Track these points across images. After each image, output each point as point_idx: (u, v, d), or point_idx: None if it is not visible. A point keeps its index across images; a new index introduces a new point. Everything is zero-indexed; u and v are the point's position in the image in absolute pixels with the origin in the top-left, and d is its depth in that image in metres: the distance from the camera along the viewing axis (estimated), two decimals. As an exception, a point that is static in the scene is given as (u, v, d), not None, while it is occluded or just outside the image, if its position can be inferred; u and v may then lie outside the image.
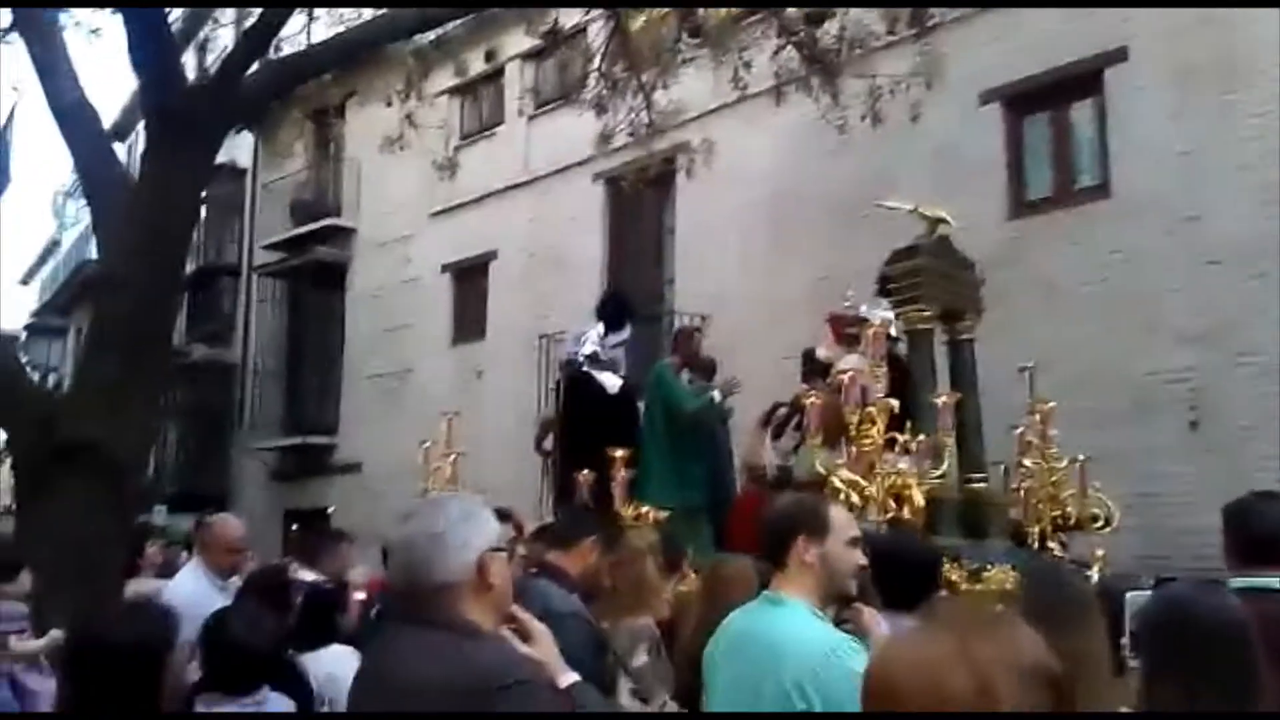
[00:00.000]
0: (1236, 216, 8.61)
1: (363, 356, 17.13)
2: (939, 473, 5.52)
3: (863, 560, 2.92)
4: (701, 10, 9.87)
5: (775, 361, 7.87)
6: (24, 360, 9.38)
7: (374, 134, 11.19)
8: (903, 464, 5.32)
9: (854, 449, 5.41)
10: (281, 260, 18.49)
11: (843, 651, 2.54)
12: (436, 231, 16.14)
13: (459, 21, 10.73)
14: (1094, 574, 5.27)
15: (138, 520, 8.22)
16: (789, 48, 9.41)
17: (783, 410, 7.13)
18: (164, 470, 19.44)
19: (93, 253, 23.17)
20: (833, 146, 10.13)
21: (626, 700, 3.70)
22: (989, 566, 5.42)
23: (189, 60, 8.65)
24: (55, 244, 36.22)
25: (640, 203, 12.03)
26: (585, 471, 6.71)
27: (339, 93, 13.29)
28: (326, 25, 9.32)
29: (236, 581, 5.20)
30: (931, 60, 8.85)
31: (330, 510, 13.02)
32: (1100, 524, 5.84)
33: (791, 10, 9.18)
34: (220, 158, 7.97)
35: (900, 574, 3.38)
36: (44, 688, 4.55)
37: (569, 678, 2.31)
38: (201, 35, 12.24)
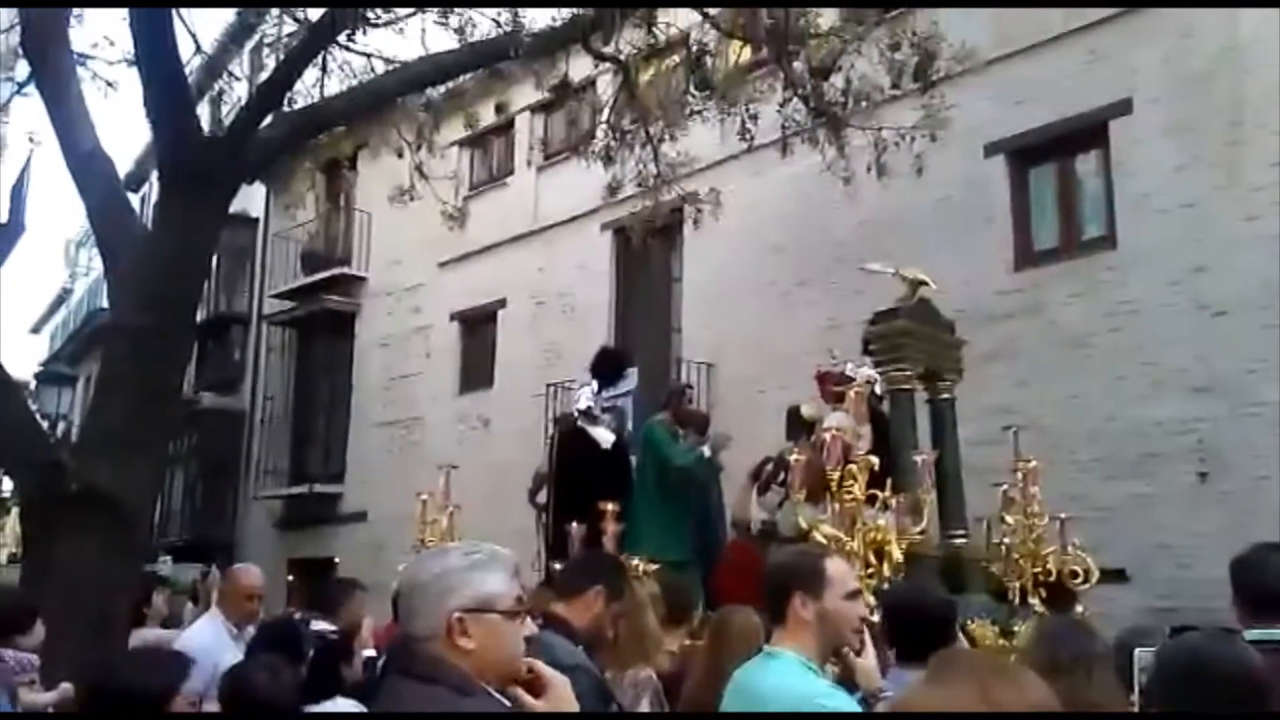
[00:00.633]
0: (1243, 267, 8.63)
1: (371, 405, 17.16)
2: (918, 529, 5.61)
3: (863, 613, 2.95)
4: (709, 63, 10.01)
5: (780, 411, 7.96)
6: (33, 408, 9.41)
7: (385, 184, 11.31)
8: (881, 520, 5.41)
9: (836, 505, 5.52)
10: (291, 309, 18.59)
11: (821, 698, 2.58)
12: (446, 280, 16.24)
13: (470, 75, 10.88)
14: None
15: (143, 569, 8.19)
16: (795, 100, 9.51)
17: (770, 466, 7.23)
18: (170, 519, 19.41)
19: (104, 302, 23.34)
20: (838, 198, 10.21)
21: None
22: (970, 621, 5.44)
23: (203, 112, 8.78)
24: (67, 293, 36.49)
25: (648, 252, 12.10)
26: (575, 525, 6.81)
27: (350, 144, 13.47)
28: (339, 79, 9.46)
29: (251, 631, 5.19)
30: (936, 113, 8.94)
31: (336, 560, 12.99)
32: (1080, 580, 5.85)
33: (798, 64, 9.30)
34: (232, 207, 8.05)
35: (914, 625, 3.38)
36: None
37: None
38: (216, 88, 12.41)
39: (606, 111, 10.40)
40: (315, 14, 8.05)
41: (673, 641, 4.71)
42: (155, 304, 6.46)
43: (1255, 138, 8.78)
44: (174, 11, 6.92)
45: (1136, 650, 2.71)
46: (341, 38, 8.52)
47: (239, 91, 11.24)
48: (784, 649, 2.79)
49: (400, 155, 10.37)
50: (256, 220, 19.91)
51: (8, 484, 19.23)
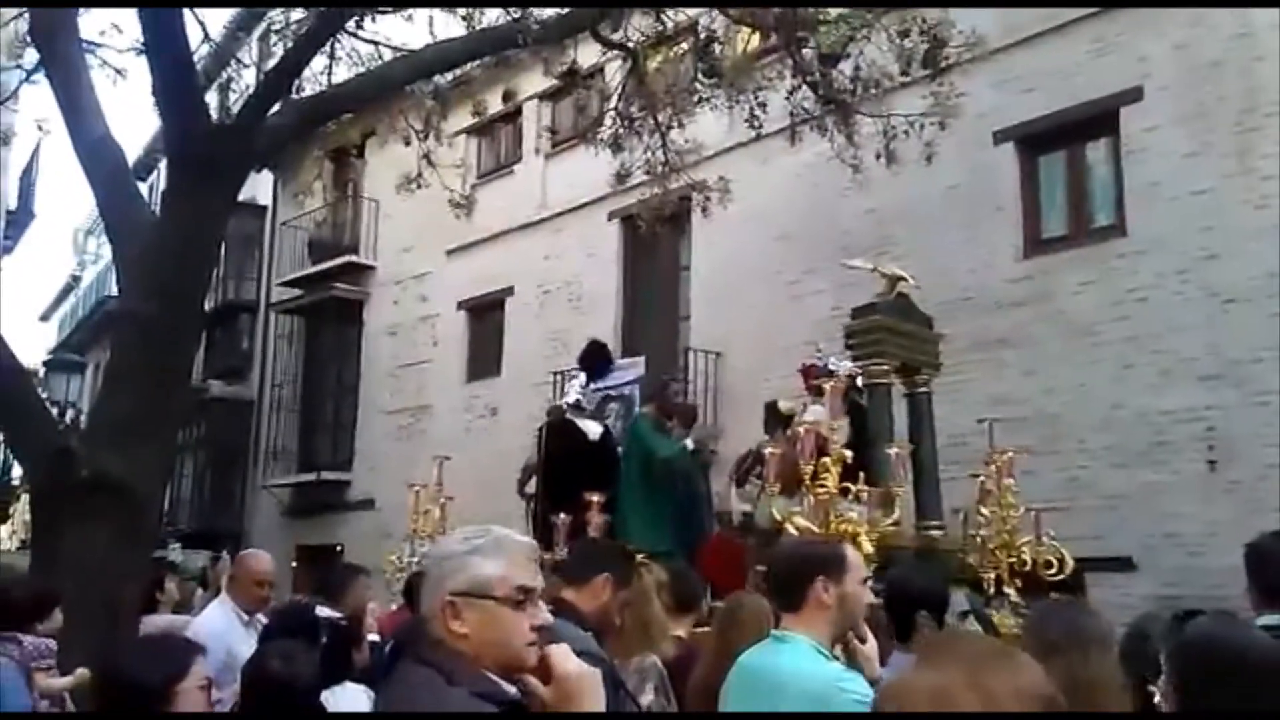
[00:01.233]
0: (1253, 255, 8.61)
1: (378, 393, 17.20)
2: (890, 520, 5.69)
3: (871, 599, 3.08)
4: (718, 50, 9.98)
5: (789, 399, 8.02)
6: (43, 395, 9.45)
7: (392, 172, 11.31)
8: (853, 513, 5.51)
9: (810, 497, 5.60)
10: (299, 297, 18.63)
11: (843, 682, 2.64)
12: (453, 269, 16.26)
13: (477, 62, 10.86)
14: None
15: (156, 556, 8.24)
16: (804, 87, 9.48)
17: (748, 459, 7.33)
18: (178, 506, 19.49)
19: (112, 289, 23.39)
20: (847, 186, 10.19)
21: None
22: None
23: (211, 100, 8.78)
24: (75, 280, 36.60)
25: (656, 241, 12.10)
26: (562, 515, 6.98)
27: (358, 132, 13.46)
28: (347, 67, 9.44)
29: (261, 617, 5.22)
30: (945, 100, 8.90)
31: (339, 547, 13.06)
32: (1054, 571, 5.92)
33: (807, 50, 9.26)
34: (240, 195, 8.07)
35: (904, 608, 3.44)
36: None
37: None
38: (224, 76, 12.39)
39: (615, 99, 10.38)
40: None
41: (680, 628, 4.72)
42: (164, 291, 6.47)
43: (1266, 125, 8.74)
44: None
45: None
46: (350, 25, 8.53)
47: (247, 79, 11.21)
48: (795, 633, 2.84)
49: (408, 143, 10.36)
50: (264, 208, 19.95)
51: (17, 470, 19.34)
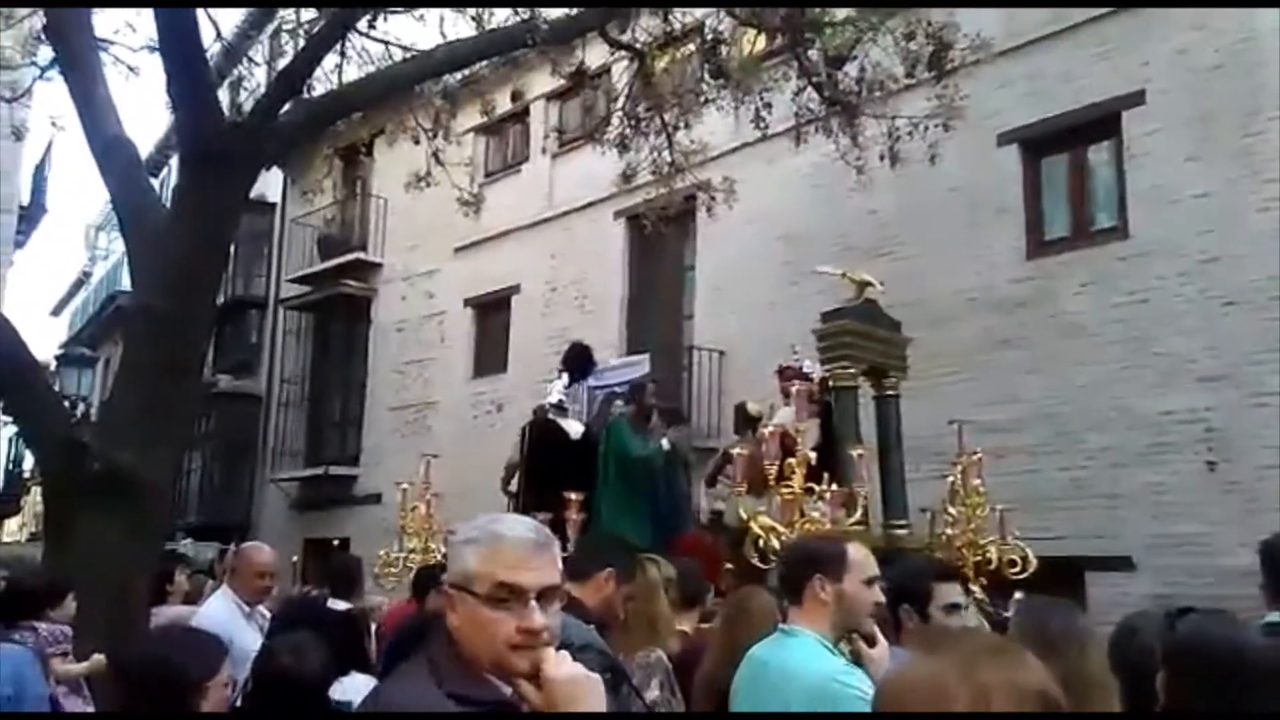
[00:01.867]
0: (1254, 258, 8.66)
1: (386, 389, 17.30)
2: (853, 519, 5.80)
3: (879, 598, 3.05)
4: (724, 51, 10.05)
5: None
6: (54, 389, 9.56)
7: (401, 170, 11.40)
8: (815, 512, 5.63)
9: (777, 497, 5.74)
10: (308, 293, 18.73)
11: (843, 676, 2.67)
12: (460, 266, 16.34)
13: (486, 62, 10.94)
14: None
15: (165, 548, 8.33)
16: (809, 89, 9.55)
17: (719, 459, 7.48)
18: (187, 499, 19.62)
19: (123, 284, 23.54)
20: (852, 186, 10.25)
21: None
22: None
23: (222, 98, 8.86)
24: (86, 276, 36.76)
25: (661, 240, 12.17)
26: (542, 513, 7.00)
27: (368, 131, 13.54)
28: (358, 66, 9.53)
29: (263, 609, 5.30)
30: (950, 102, 8.96)
31: (336, 541, 13.15)
32: (1018, 569, 6.04)
33: (813, 52, 9.33)
34: (250, 192, 8.15)
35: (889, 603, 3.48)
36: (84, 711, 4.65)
37: None
38: (235, 73, 12.49)
39: (622, 99, 10.44)
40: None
41: (685, 624, 4.77)
42: (176, 287, 6.56)
43: (1268, 129, 8.79)
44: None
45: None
46: (361, 24, 8.61)
47: (258, 77, 11.31)
48: (800, 628, 2.89)
49: (417, 142, 10.44)
50: (274, 205, 20.05)
51: (27, 463, 19.47)
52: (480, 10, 9.01)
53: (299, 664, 3.16)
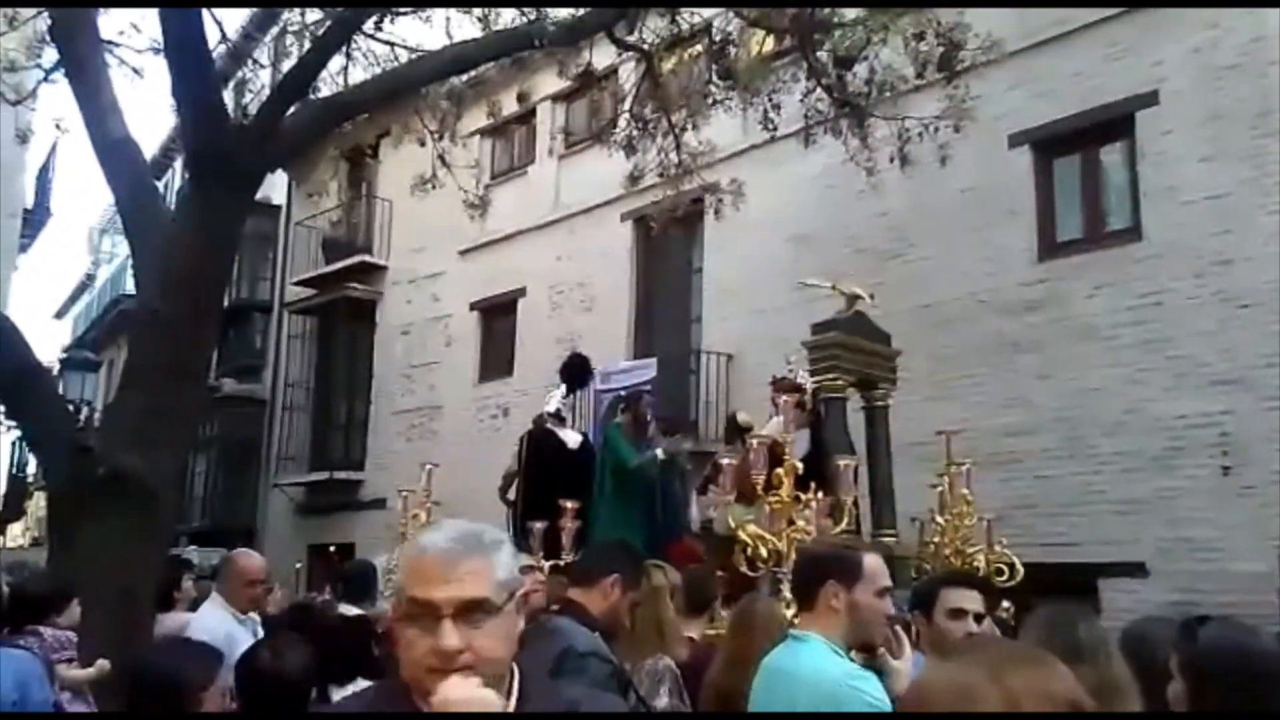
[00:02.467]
0: (1268, 260, 8.58)
1: (391, 393, 17.25)
2: (840, 528, 5.87)
3: (890, 610, 3.02)
4: (732, 52, 9.99)
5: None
6: (59, 393, 9.50)
7: (406, 173, 11.35)
8: (800, 521, 5.70)
9: (765, 506, 5.87)
10: (313, 296, 18.69)
11: (855, 680, 2.62)
12: (466, 269, 16.30)
13: (492, 63, 10.89)
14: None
15: (170, 553, 8.28)
16: (818, 90, 9.48)
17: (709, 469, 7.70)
18: (191, 504, 19.58)
19: (127, 288, 23.53)
20: (861, 189, 10.19)
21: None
22: None
23: (227, 100, 8.82)
24: (90, 279, 36.81)
25: (668, 242, 12.12)
26: (537, 521, 7.21)
27: (373, 133, 13.49)
28: (364, 68, 9.48)
29: (255, 616, 5.29)
30: (960, 103, 8.89)
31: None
32: (1005, 578, 6.14)
33: (821, 53, 9.26)
34: (255, 195, 8.10)
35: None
36: (89, 717, 4.61)
37: None
38: (240, 75, 12.45)
39: (629, 100, 10.38)
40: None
41: (693, 630, 4.73)
42: (181, 290, 6.50)
43: (1283, 130, 8.71)
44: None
45: None
46: (367, 26, 8.56)
47: (263, 79, 11.26)
48: (810, 633, 2.86)
49: (422, 144, 10.39)
50: (279, 208, 20.02)
51: (32, 467, 19.44)
52: (486, 11, 8.95)
53: (277, 663, 3.15)
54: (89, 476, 6.08)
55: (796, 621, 3.08)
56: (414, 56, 8.94)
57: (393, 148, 12.72)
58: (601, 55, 10.54)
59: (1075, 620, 2.76)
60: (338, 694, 4.08)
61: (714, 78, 10.14)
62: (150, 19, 7.54)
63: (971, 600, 3.60)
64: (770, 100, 9.58)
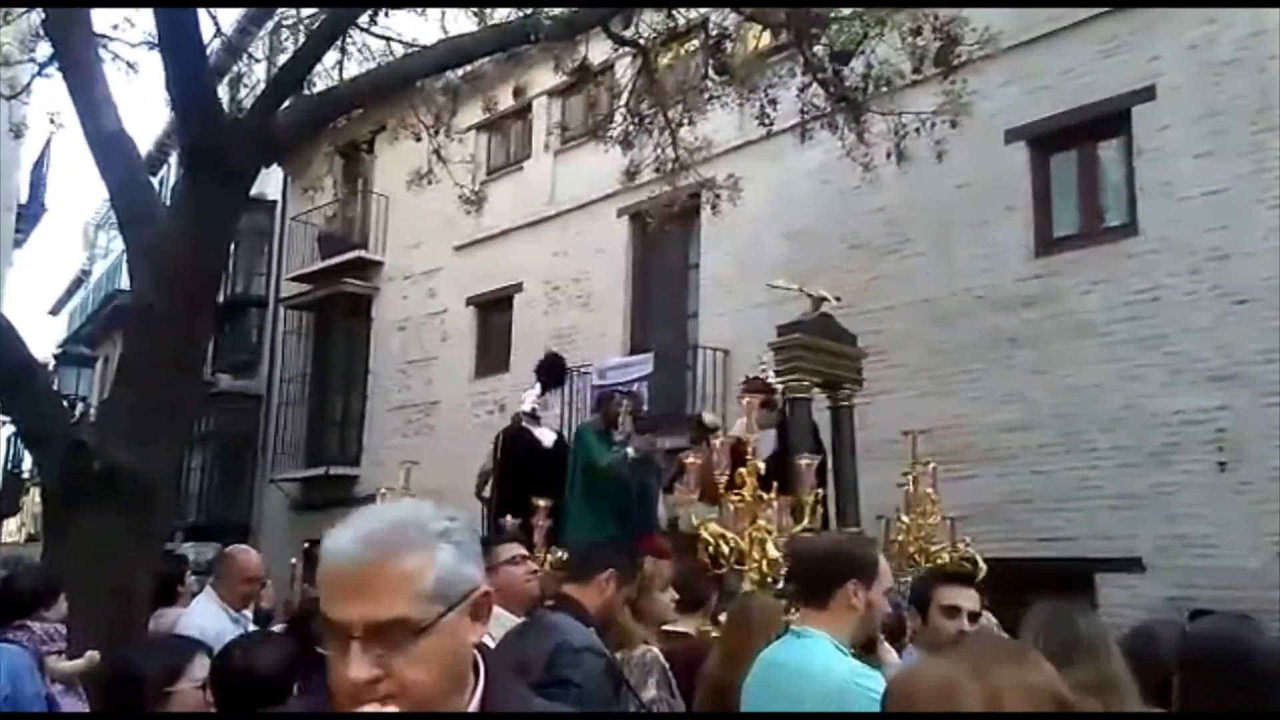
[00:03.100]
0: (1265, 256, 8.58)
1: (387, 388, 17.23)
2: (800, 526, 5.99)
3: (889, 609, 3.09)
4: (729, 47, 9.96)
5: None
6: (54, 389, 9.48)
7: (402, 168, 11.32)
8: (761, 520, 5.84)
9: (729, 506, 6.04)
10: (308, 292, 18.66)
11: (862, 679, 2.62)
12: (462, 264, 16.27)
13: (488, 58, 10.86)
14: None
15: (165, 549, 8.27)
16: (815, 85, 9.45)
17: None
18: (187, 500, 19.55)
19: (122, 283, 23.48)
20: (857, 184, 10.18)
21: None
22: None
23: (221, 94, 8.78)
24: (85, 275, 36.73)
25: (664, 238, 12.09)
26: (510, 519, 7.39)
27: (369, 128, 13.46)
28: (359, 62, 9.44)
29: (248, 613, 5.30)
30: (957, 98, 8.87)
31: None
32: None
33: (818, 48, 9.23)
34: (250, 190, 8.08)
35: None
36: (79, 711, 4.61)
37: None
38: (235, 70, 12.42)
39: (625, 96, 10.36)
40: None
41: (688, 626, 4.72)
42: (176, 285, 6.48)
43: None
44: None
45: None
46: (362, 20, 8.52)
47: (258, 73, 11.23)
48: (813, 630, 2.84)
49: (418, 139, 10.35)
50: (274, 203, 19.97)
51: (27, 463, 19.40)
52: (481, 5, 8.91)
53: (249, 661, 3.12)
54: (84, 472, 6.07)
55: (798, 617, 3.06)
56: (409, 51, 8.91)
57: (388, 143, 12.71)
58: (598, 50, 10.51)
59: (1075, 616, 2.76)
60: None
61: (710, 73, 10.12)
62: (144, 13, 7.51)
63: (967, 598, 3.61)
64: (766, 95, 9.56)
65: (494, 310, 15.90)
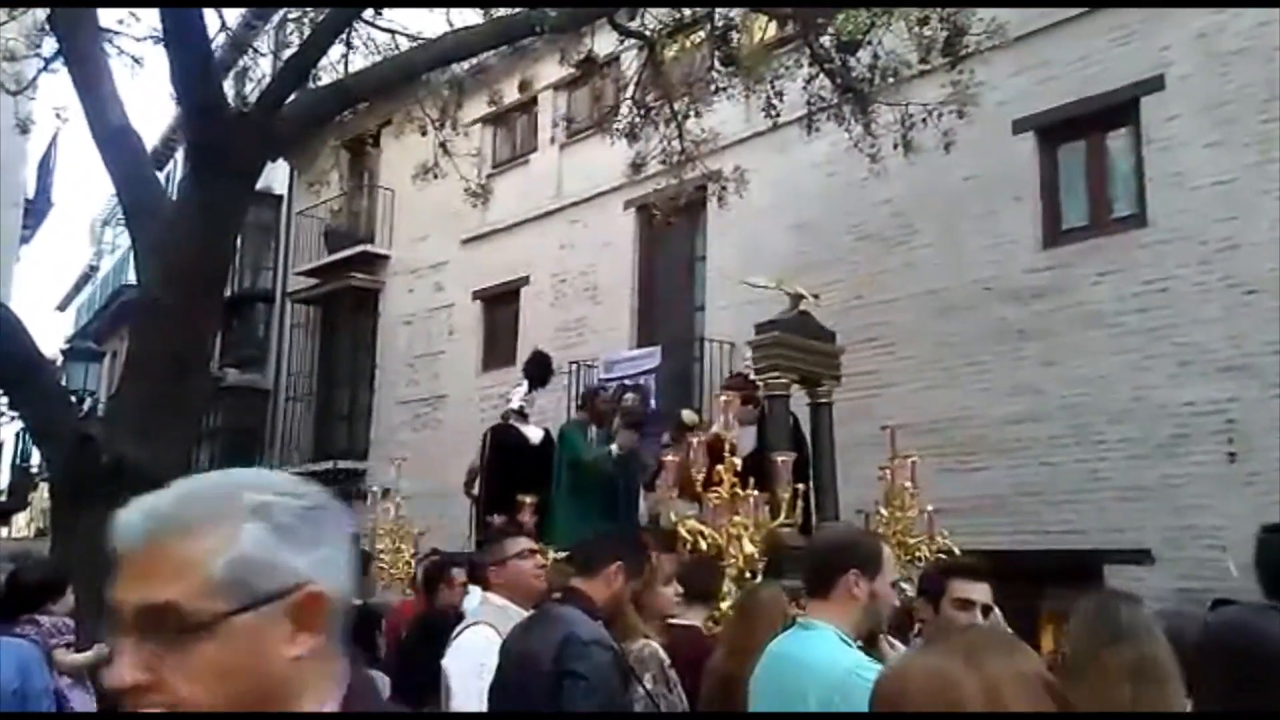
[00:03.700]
0: (1275, 246, 8.53)
1: (394, 382, 17.23)
2: (777, 522, 6.09)
3: (896, 601, 3.08)
4: (734, 38, 9.93)
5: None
6: (61, 384, 9.49)
7: (408, 161, 11.31)
8: (738, 515, 5.94)
9: (709, 502, 6.15)
10: (315, 286, 18.67)
11: (865, 671, 2.60)
12: (468, 258, 16.25)
13: (494, 51, 10.84)
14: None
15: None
16: (821, 76, 9.42)
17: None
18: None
19: (130, 278, 23.50)
20: (864, 175, 10.13)
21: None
22: None
23: (227, 89, 8.79)
24: (93, 270, 36.80)
25: (671, 230, 12.06)
26: (498, 516, 7.51)
27: (374, 122, 13.45)
28: (364, 56, 9.44)
29: None
30: (965, 89, 8.83)
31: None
32: None
33: (824, 39, 9.20)
34: (257, 184, 8.08)
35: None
36: (89, 707, 4.63)
37: None
38: (240, 64, 12.42)
39: (631, 88, 10.33)
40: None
41: (694, 619, 4.71)
42: (183, 280, 6.49)
43: (1290, 115, 8.65)
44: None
45: None
46: (367, 13, 8.51)
47: (263, 68, 11.23)
48: (819, 621, 2.83)
49: (424, 132, 10.35)
50: (280, 197, 19.96)
51: (36, 458, 19.47)
52: (487, -1, 8.90)
53: None
54: (92, 466, 6.08)
55: (803, 608, 3.06)
56: (414, 44, 8.90)
57: (394, 137, 12.68)
58: (603, 42, 10.49)
59: (1119, 604, 2.76)
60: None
61: (716, 64, 10.07)
62: (150, 9, 7.50)
63: (980, 592, 3.60)
64: (773, 87, 9.52)
65: (501, 304, 15.89)
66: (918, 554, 6.48)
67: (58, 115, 13.60)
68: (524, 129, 16.13)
